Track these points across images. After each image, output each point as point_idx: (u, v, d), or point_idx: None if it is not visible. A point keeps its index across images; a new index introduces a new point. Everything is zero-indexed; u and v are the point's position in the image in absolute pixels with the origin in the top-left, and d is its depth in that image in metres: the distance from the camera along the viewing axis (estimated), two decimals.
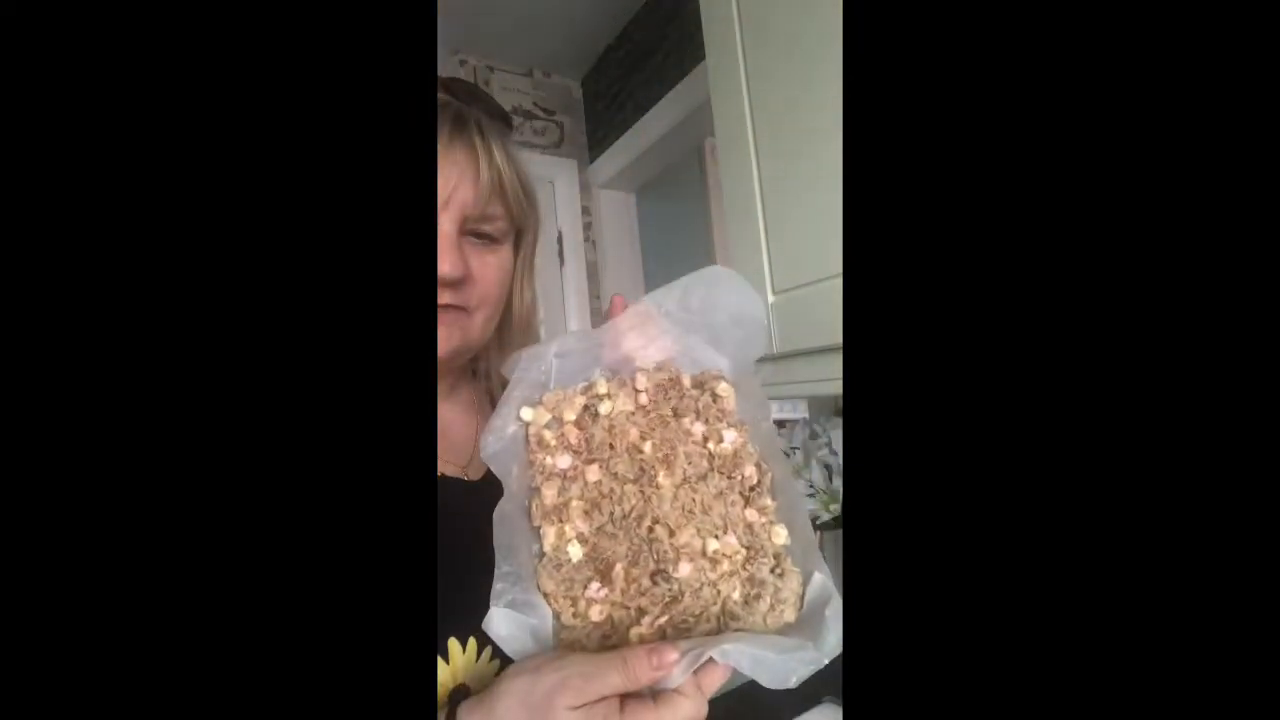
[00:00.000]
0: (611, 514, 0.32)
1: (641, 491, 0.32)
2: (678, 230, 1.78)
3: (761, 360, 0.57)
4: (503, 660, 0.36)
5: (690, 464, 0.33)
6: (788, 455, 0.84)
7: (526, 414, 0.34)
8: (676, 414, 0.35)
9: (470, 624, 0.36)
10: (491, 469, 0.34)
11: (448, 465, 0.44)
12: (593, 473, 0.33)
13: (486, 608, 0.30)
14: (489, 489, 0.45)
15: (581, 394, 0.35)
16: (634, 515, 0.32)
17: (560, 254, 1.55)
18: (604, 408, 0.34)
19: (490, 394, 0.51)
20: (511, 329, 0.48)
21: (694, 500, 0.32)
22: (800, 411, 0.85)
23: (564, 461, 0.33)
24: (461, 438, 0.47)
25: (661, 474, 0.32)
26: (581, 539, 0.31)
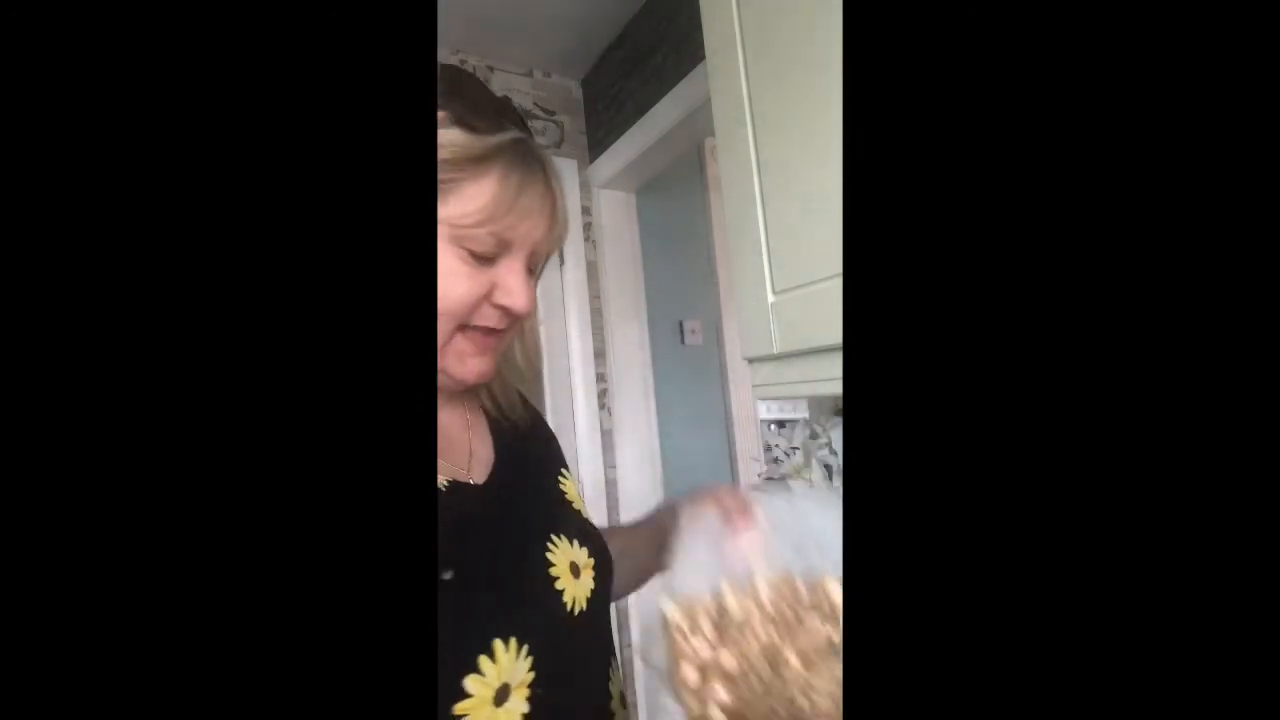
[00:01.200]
0: (750, 687, 0.36)
1: (775, 671, 0.36)
2: (678, 230, 1.78)
3: (761, 360, 0.57)
4: (534, 658, 0.37)
5: (816, 651, 0.37)
6: (788, 455, 0.84)
7: (667, 608, 0.39)
8: (797, 615, 0.39)
9: (507, 623, 0.36)
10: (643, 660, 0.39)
11: (455, 470, 0.43)
12: (728, 659, 0.36)
13: (518, 604, 0.32)
14: (496, 489, 0.45)
15: (712, 600, 0.39)
16: (771, 688, 0.35)
17: (560, 254, 1.55)
18: (733, 611, 0.38)
19: (484, 410, 0.51)
20: (526, 348, 0.50)
21: (825, 674, 0.36)
22: (800, 411, 0.85)
23: (704, 651, 0.37)
24: (459, 444, 0.46)
25: (792, 657, 0.36)
26: (723, 707, 0.35)
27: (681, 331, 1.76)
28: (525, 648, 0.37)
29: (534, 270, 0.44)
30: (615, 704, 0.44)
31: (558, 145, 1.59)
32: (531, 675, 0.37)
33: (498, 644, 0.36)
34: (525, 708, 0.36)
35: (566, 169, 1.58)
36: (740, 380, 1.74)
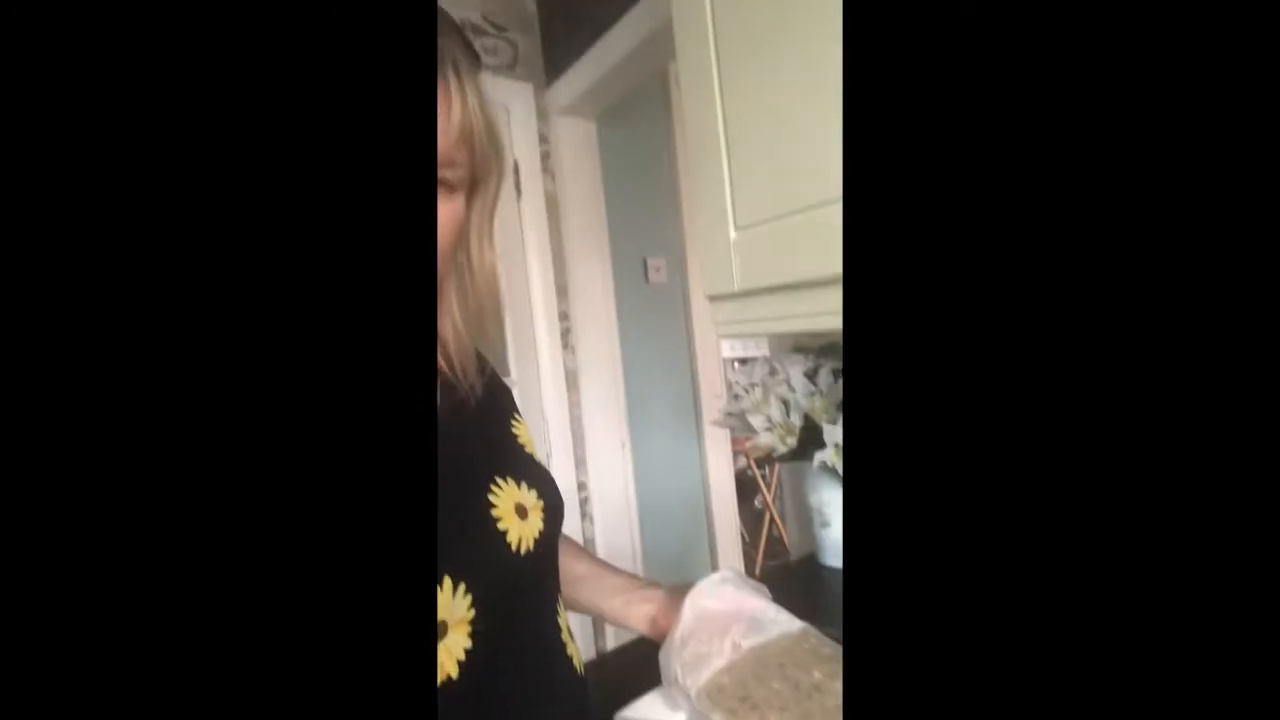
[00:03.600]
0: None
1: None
2: (641, 161, 1.71)
3: (722, 298, 0.56)
4: (473, 595, 0.37)
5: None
6: (747, 391, 0.85)
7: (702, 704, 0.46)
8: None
9: (448, 559, 0.36)
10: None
11: None
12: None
13: (455, 546, 0.32)
14: (447, 424, 0.44)
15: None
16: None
17: (517, 185, 1.48)
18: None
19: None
20: (476, 293, 0.45)
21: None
22: (761, 349, 0.86)
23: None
24: None
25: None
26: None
27: (645, 269, 1.73)
28: (462, 585, 0.37)
29: (445, 183, 0.38)
30: (565, 636, 0.47)
31: (511, 67, 1.48)
32: (472, 613, 0.38)
33: None
34: (467, 643, 0.37)
35: (521, 94, 1.48)
36: (705, 318, 1.74)
